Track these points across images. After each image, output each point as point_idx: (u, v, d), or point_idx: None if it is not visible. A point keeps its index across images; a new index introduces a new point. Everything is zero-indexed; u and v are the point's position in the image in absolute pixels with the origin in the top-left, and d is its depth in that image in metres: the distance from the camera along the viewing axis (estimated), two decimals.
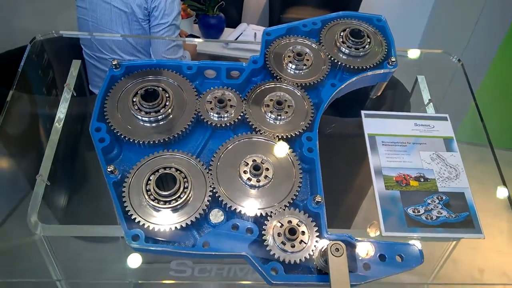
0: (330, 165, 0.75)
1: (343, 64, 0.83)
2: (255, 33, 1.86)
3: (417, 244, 0.64)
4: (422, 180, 0.79)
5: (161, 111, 0.71)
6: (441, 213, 0.75)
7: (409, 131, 0.85)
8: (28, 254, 0.74)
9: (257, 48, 0.85)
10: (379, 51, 0.85)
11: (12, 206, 1.49)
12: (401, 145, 0.83)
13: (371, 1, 2.26)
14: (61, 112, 0.80)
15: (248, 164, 0.68)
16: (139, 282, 0.76)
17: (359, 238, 0.64)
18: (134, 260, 0.76)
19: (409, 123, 0.86)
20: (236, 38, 1.86)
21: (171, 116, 0.73)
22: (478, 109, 0.92)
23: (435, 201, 0.76)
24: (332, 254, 0.58)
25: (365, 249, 0.63)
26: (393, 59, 0.83)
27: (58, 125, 0.79)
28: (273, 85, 0.79)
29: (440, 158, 0.82)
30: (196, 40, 1.71)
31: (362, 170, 0.84)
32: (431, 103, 0.93)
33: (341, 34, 0.85)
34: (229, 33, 1.91)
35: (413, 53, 1.03)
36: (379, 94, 0.91)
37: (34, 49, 0.88)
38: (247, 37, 1.84)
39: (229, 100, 0.75)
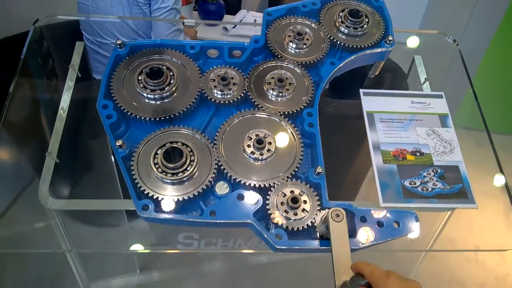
0: (330, 143, 0.77)
1: (342, 43, 0.85)
2: (254, 20, 1.87)
3: (413, 212, 0.68)
4: (418, 154, 0.82)
5: (166, 88, 0.74)
6: (436, 185, 0.78)
7: (406, 108, 0.88)
8: (40, 228, 0.77)
9: (257, 34, 0.87)
10: (377, 31, 0.88)
11: (23, 186, 1.52)
12: (398, 121, 0.86)
13: None
14: (67, 93, 0.82)
15: (251, 138, 0.70)
16: (147, 252, 0.78)
17: (358, 207, 0.67)
18: (144, 239, 0.79)
19: (406, 101, 0.89)
20: (235, 25, 1.86)
21: (175, 94, 0.75)
22: (473, 91, 0.95)
23: (430, 174, 0.79)
24: (333, 220, 0.61)
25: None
26: (390, 38, 0.85)
27: (64, 106, 0.81)
28: (274, 64, 0.81)
29: (435, 133, 0.85)
30: (198, 22, 1.70)
31: (361, 147, 0.87)
32: (427, 82, 0.95)
33: (340, 14, 0.88)
34: (228, 20, 1.92)
35: (410, 35, 1.06)
36: (377, 73, 0.94)
37: (36, 33, 0.90)
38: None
39: (232, 78, 0.77)
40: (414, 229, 0.66)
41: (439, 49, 1.06)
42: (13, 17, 1.49)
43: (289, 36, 0.84)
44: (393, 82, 1.25)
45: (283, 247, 0.63)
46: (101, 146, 1.08)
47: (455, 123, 0.86)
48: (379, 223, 0.65)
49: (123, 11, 1.28)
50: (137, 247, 0.84)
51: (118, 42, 0.76)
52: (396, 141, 0.83)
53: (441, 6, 2.14)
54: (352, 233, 0.65)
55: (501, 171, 0.81)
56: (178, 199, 0.64)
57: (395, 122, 0.86)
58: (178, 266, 1.47)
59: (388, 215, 0.66)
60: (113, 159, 1.09)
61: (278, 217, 0.64)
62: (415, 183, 0.78)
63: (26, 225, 1.07)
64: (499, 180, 0.82)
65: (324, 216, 0.63)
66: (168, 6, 1.29)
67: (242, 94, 0.76)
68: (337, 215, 0.61)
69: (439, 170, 0.80)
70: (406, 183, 0.78)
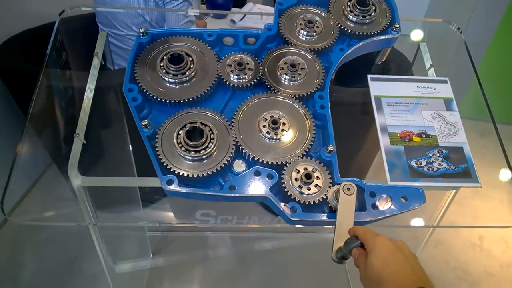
0: (340, 127, 0.82)
1: (350, 31, 0.89)
2: (261, 12, 1.91)
3: (419, 188, 0.72)
4: (424, 136, 0.86)
5: (186, 73, 0.78)
6: (442, 165, 0.82)
7: (412, 92, 0.92)
8: (61, 205, 0.81)
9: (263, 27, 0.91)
10: (384, 19, 0.92)
11: (43, 169, 1.57)
12: (404, 105, 0.90)
13: None
14: (92, 80, 0.87)
15: (266, 119, 0.75)
16: (167, 225, 0.83)
17: (367, 183, 0.71)
18: (161, 219, 0.84)
19: (412, 86, 0.93)
20: (243, 18, 1.91)
21: (195, 78, 0.80)
22: (478, 80, 0.98)
23: (436, 155, 0.84)
24: (344, 193, 0.66)
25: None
26: (396, 25, 0.89)
27: (90, 91, 0.86)
28: (286, 50, 0.86)
29: (440, 116, 0.89)
30: (207, 12, 1.75)
31: (369, 130, 0.91)
32: (432, 68, 0.99)
33: (349, 3, 0.92)
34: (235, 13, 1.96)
35: (415, 23, 1.09)
36: (384, 59, 0.98)
37: (63, 26, 0.95)
38: (253, 16, 1.89)
39: (247, 63, 0.82)
40: (421, 204, 0.70)
41: (444, 38, 1.10)
42: (31, 10, 1.54)
43: (300, 24, 0.89)
44: (398, 71, 1.28)
45: (297, 219, 0.67)
46: (119, 135, 1.13)
47: (460, 114, 0.90)
48: (388, 198, 0.70)
49: (138, 4, 1.33)
50: (155, 221, 0.88)
51: (141, 31, 0.81)
52: (403, 124, 0.87)
53: None
54: (362, 207, 0.69)
55: (507, 161, 0.83)
56: (198, 175, 0.69)
57: (402, 105, 0.90)
58: (190, 250, 1.52)
59: (396, 190, 0.71)
60: (130, 148, 1.15)
61: (292, 192, 0.68)
62: (421, 163, 0.82)
63: (47, 207, 1.13)
64: (504, 170, 0.83)
65: (336, 190, 0.68)
66: None
67: (257, 79, 0.81)
68: (348, 189, 0.66)
69: (444, 151, 0.84)
70: (413, 163, 0.82)
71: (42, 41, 0.94)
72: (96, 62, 0.88)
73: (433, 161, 0.83)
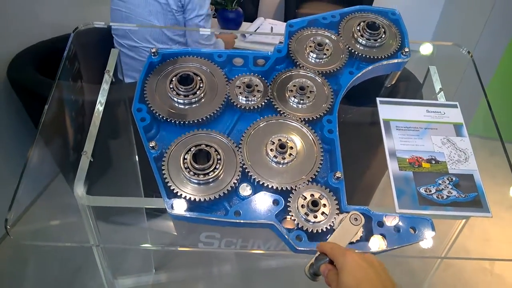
0: (348, 149, 0.81)
1: (360, 54, 0.89)
2: (271, 27, 1.92)
3: (429, 218, 0.70)
4: (433, 162, 0.85)
5: (195, 94, 0.78)
6: (451, 193, 0.81)
7: (421, 117, 0.91)
8: (63, 222, 0.81)
9: (273, 42, 0.92)
10: (394, 42, 0.91)
11: (47, 182, 1.58)
12: (414, 129, 0.89)
13: None
14: (102, 96, 0.87)
15: (274, 143, 0.74)
16: (170, 248, 0.83)
17: (375, 211, 0.70)
18: (165, 231, 0.83)
19: (422, 110, 0.92)
20: (253, 32, 1.92)
21: (203, 99, 0.80)
22: (487, 100, 0.97)
23: (445, 182, 0.82)
24: (351, 223, 0.64)
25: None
26: (406, 50, 0.89)
27: (99, 109, 0.86)
28: (296, 73, 0.85)
29: (450, 142, 0.88)
30: (217, 31, 1.78)
31: (377, 153, 0.90)
32: (442, 92, 0.98)
33: (358, 26, 0.91)
34: (246, 27, 1.97)
35: (425, 46, 1.09)
36: (393, 82, 0.97)
37: (75, 39, 0.96)
38: (263, 30, 1.90)
39: (256, 85, 0.82)
40: (430, 235, 0.68)
41: (453, 60, 1.09)
42: (45, 22, 1.56)
43: (310, 46, 0.88)
44: (408, 91, 1.28)
45: (303, 248, 0.66)
46: (127, 148, 1.13)
47: (469, 132, 0.89)
48: (396, 228, 0.68)
49: (157, 17, 1.35)
50: (159, 245, 0.88)
51: (152, 51, 0.81)
52: (412, 149, 0.86)
53: (454, 17, 2.17)
54: (369, 237, 0.68)
55: None
56: (205, 198, 0.69)
57: (411, 130, 0.89)
58: (193, 266, 1.51)
59: (404, 221, 0.69)
60: (137, 159, 1.15)
61: (298, 220, 0.67)
62: (430, 191, 0.81)
63: (52, 219, 1.13)
64: None
65: (343, 219, 0.66)
66: (204, 13, 1.37)
67: (266, 101, 0.80)
68: (356, 219, 0.65)
69: (454, 178, 0.82)
70: (422, 190, 0.80)
71: (55, 54, 0.95)
72: (107, 79, 0.89)
73: (442, 189, 0.81)
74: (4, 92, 1.41)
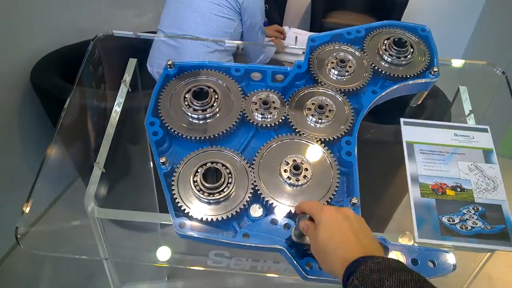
0: (367, 170, 0.77)
1: (384, 72, 0.85)
2: (296, 37, 1.89)
3: (450, 252, 0.66)
4: (458, 189, 0.79)
5: (209, 109, 0.77)
6: (476, 224, 0.75)
7: (448, 140, 0.86)
8: (77, 235, 0.81)
9: (297, 52, 0.89)
10: (422, 60, 0.87)
11: (65, 189, 1.61)
12: (439, 154, 0.84)
13: (415, 9, 2.23)
14: (117, 106, 0.87)
15: (288, 163, 0.72)
16: (179, 267, 0.81)
17: (392, 241, 0.66)
18: (172, 249, 0.82)
19: (449, 133, 0.87)
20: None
21: (218, 114, 0.78)
22: None
23: (470, 212, 0.77)
24: None
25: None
26: (435, 69, 0.84)
27: (114, 119, 0.86)
28: (315, 90, 0.82)
29: (478, 169, 0.82)
30: (241, 44, 1.80)
31: (398, 177, 0.86)
32: (472, 114, 0.93)
33: (385, 42, 0.87)
34: None
35: (457, 63, 1.03)
36: (419, 102, 0.92)
37: (94, 46, 0.96)
38: (288, 40, 1.88)
39: (273, 102, 0.79)
40: (450, 271, 0.64)
41: (486, 80, 1.03)
42: (70, 27, 1.59)
43: (332, 62, 0.85)
44: (436, 110, 1.22)
45: (313, 277, 0.63)
46: (143, 156, 1.13)
47: (499, 153, 0.83)
48: (414, 261, 0.64)
49: (221, 11, 1.35)
50: (168, 257, 0.86)
51: (168, 63, 0.80)
52: (436, 174, 0.81)
53: (487, 36, 2.07)
54: None
55: None
56: (213, 218, 0.66)
57: (436, 154, 0.84)
58: (206, 275, 1.49)
59: (424, 253, 0.65)
60: (152, 171, 1.14)
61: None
62: (453, 220, 0.76)
63: (66, 227, 1.14)
64: None
65: None
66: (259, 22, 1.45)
67: (282, 119, 0.78)
68: None
69: (480, 208, 0.77)
70: (444, 219, 0.76)
71: (79, 59, 0.96)
72: (123, 89, 0.88)
73: (467, 219, 0.76)
74: (28, 96, 1.44)
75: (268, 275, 0.79)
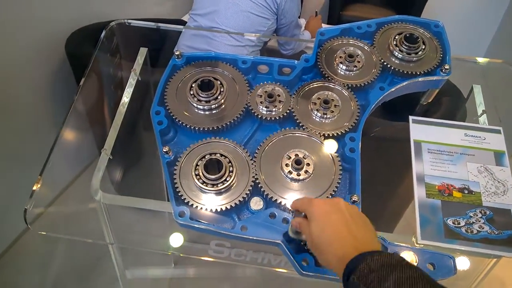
0: (371, 167, 0.76)
1: (394, 68, 0.83)
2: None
3: (451, 255, 0.64)
4: (466, 192, 0.77)
5: (215, 100, 0.77)
6: (483, 228, 0.73)
7: (458, 140, 0.84)
8: (87, 218, 0.83)
9: (311, 45, 0.88)
10: (433, 57, 0.84)
11: (77, 174, 1.64)
12: (447, 154, 0.82)
13: (436, 4, 2.17)
14: (126, 95, 0.88)
15: (290, 157, 0.71)
16: (181, 255, 0.82)
17: (391, 241, 0.65)
18: (178, 237, 0.83)
19: (459, 133, 0.85)
20: None
21: (223, 106, 0.78)
22: None
23: (477, 215, 0.75)
24: None
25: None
26: (446, 67, 0.82)
27: (123, 107, 0.87)
28: (322, 84, 0.81)
29: (488, 171, 0.80)
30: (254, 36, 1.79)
31: (404, 176, 0.84)
32: (484, 114, 0.90)
33: (396, 38, 0.85)
34: None
35: (473, 61, 1.00)
36: (430, 100, 0.90)
37: (107, 34, 0.97)
38: (305, 32, 1.85)
39: (279, 95, 0.78)
40: (450, 275, 0.62)
41: (502, 80, 1.00)
42: (96, 7, 1.60)
43: (340, 57, 0.84)
44: (448, 107, 1.19)
45: (309, 273, 0.63)
46: (153, 143, 1.15)
47: (510, 155, 0.81)
48: (413, 262, 0.63)
49: (248, 5, 1.36)
50: (172, 245, 0.88)
51: (176, 53, 0.80)
52: (443, 175, 0.79)
53: (511, 35, 1.99)
54: None
55: None
56: (213, 209, 0.67)
57: (444, 154, 0.82)
58: (213, 266, 1.51)
59: (423, 255, 0.64)
60: (161, 160, 1.15)
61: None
62: (459, 223, 0.74)
63: (75, 209, 1.17)
64: None
65: None
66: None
67: (287, 112, 0.77)
68: None
69: (487, 212, 0.75)
70: (449, 221, 0.74)
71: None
72: (133, 78, 0.89)
73: (473, 222, 0.74)
74: (63, 67, 1.46)
75: (268, 268, 0.79)
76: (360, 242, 0.50)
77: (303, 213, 0.58)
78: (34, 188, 0.75)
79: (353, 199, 0.67)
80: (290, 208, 0.64)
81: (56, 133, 0.81)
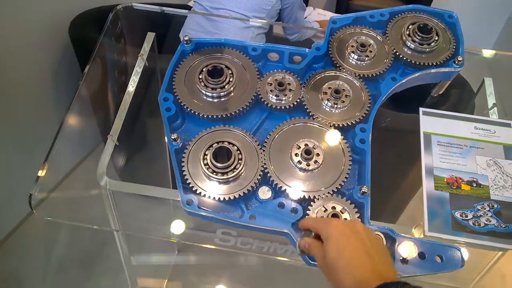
0: (381, 158, 0.75)
1: (406, 59, 0.82)
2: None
3: (459, 248, 0.64)
4: (474, 185, 0.77)
5: (224, 88, 0.76)
6: (490, 221, 0.73)
7: (467, 133, 0.83)
8: (91, 204, 0.83)
9: (319, 34, 0.87)
10: (446, 49, 0.83)
11: (80, 159, 1.64)
12: (457, 147, 0.81)
13: None
14: (133, 81, 0.87)
15: (300, 147, 0.71)
16: (186, 243, 0.82)
17: (400, 233, 0.65)
18: (182, 224, 0.83)
19: (469, 126, 0.84)
20: (306, 17, 1.85)
21: (232, 93, 0.77)
22: None
23: (485, 208, 0.75)
24: None
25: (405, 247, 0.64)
26: (459, 59, 0.80)
27: (129, 94, 0.86)
28: (333, 73, 0.80)
29: (497, 165, 0.80)
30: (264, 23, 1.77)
31: (413, 168, 0.84)
32: (495, 108, 0.89)
33: (409, 28, 0.84)
34: None
35: (485, 53, 0.99)
36: (441, 92, 0.89)
37: (114, 16, 0.95)
38: (313, 23, 1.83)
39: (289, 84, 0.77)
40: (458, 267, 0.62)
41: (510, 73, 0.98)
42: None
43: (352, 46, 0.82)
44: (458, 100, 1.18)
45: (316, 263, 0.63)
46: (159, 130, 1.14)
47: None
48: (421, 255, 0.63)
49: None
50: (177, 232, 0.88)
51: (185, 38, 0.79)
52: (452, 168, 0.79)
53: None
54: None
55: None
56: (221, 198, 0.67)
57: (454, 147, 0.82)
58: (217, 254, 1.51)
59: (431, 247, 0.64)
60: (167, 147, 1.15)
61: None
62: (466, 216, 0.74)
63: (81, 195, 1.17)
64: None
65: None
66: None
67: (297, 101, 0.76)
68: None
69: (495, 206, 0.75)
70: (457, 214, 0.74)
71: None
72: (140, 63, 0.88)
73: (480, 215, 0.74)
74: (67, 52, 1.44)
75: (274, 257, 0.80)
76: (378, 266, 0.49)
77: (313, 233, 0.56)
78: (39, 174, 0.74)
79: (363, 190, 0.67)
80: (299, 226, 0.62)
81: (61, 119, 0.80)
